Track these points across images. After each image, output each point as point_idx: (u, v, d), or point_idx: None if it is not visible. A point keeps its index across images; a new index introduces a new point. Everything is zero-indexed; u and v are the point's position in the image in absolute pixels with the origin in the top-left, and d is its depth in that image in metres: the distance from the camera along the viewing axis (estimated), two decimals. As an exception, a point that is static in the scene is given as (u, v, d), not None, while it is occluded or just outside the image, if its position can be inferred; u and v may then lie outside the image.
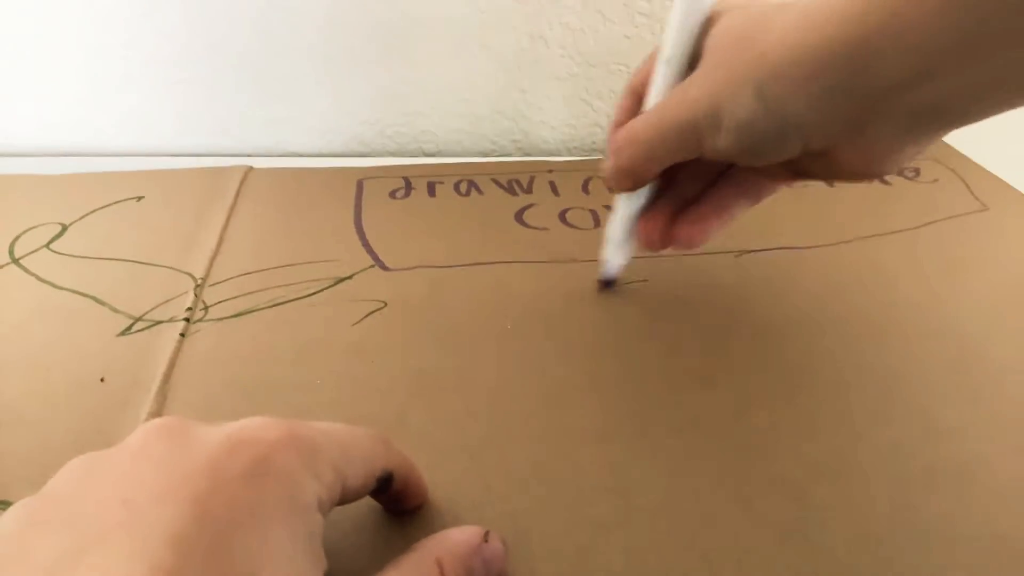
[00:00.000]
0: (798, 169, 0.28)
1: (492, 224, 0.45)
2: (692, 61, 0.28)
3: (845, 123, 0.24)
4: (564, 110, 0.59)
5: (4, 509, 0.25)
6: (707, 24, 0.28)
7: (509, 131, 0.59)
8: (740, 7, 0.27)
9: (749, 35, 0.25)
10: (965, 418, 0.30)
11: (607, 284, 0.38)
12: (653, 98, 0.30)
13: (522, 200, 0.48)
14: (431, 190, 0.50)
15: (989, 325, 0.36)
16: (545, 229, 0.45)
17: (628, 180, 0.31)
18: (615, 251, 0.36)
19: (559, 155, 0.60)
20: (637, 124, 0.29)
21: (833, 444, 0.29)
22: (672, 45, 0.29)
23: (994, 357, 0.33)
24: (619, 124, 0.32)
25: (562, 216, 0.46)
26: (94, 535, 0.17)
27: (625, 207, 0.33)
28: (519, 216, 0.46)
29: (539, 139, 0.60)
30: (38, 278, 0.39)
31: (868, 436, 0.29)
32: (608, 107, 0.59)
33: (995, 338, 0.35)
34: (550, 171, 0.52)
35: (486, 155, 0.60)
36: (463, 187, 0.50)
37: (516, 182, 0.51)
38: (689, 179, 0.33)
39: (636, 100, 0.32)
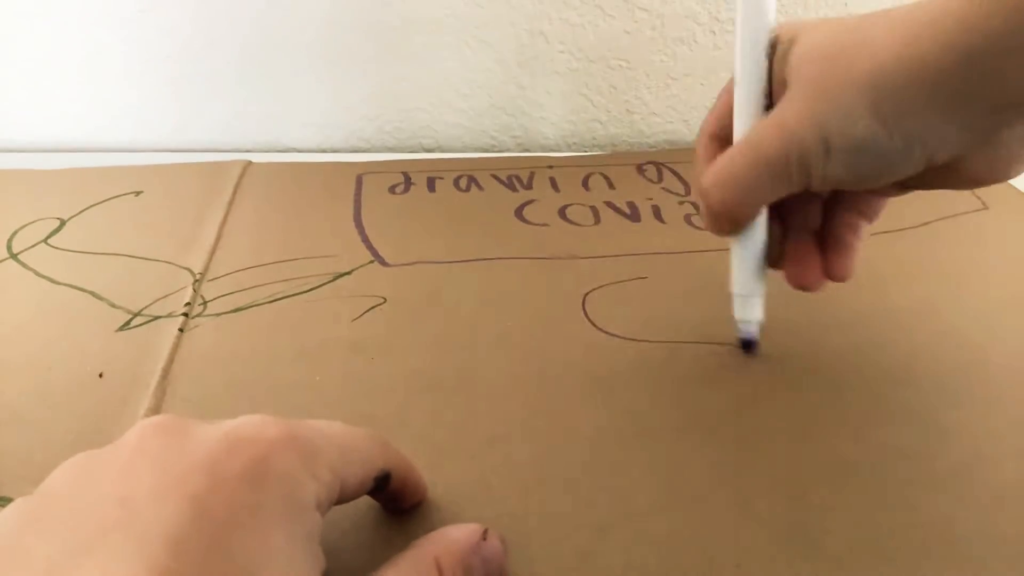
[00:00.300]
0: (912, 182, 0.26)
1: (492, 220, 0.45)
2: (770, 87, 0.27)
3: (975, 132, 0.22)
4: (564, 106, 0.58)
5: (3, 505, 0.25)
6: (784, 45, 0.26)
7: (509, 127, 0.59)
8: (820, 24, 0.25)
9: (847, 50, 0.23)
10: (965, 418, 0.30)
11: (749, 346, 0.33)
12: (740, 129, 0.28)
13: (522, 196, 0.48)
14: (431, 185, 0.49)
15: (989, 325, 0.35)
16: (545, 225, 0.45)
17: (727, 223, 0.28)
18: (749, 307, 0.31)
19: (559, 151, 0.60)
20: (730, 162, 0.27)
21: (833, 444, 0.29)
22: (743, 67, 0.27)
23: (994, 357, 0.33)
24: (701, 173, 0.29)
25: (562, 212, 0.46)
26: (92, 534, 0.17)
27: (744, 253, 0.30)
28: (519, 212, 0.46)
29: (539, 135, 0.60)
30: (36, 273, 0.39)
31: (868, 436, 0.29)
32: (608, 102, 0.59)
33: (995, 338, 0.35)
34: (550, 167, 0.52)
35: (486, 151, 0.60)
36: (463, 183, 0.50)
37: (516, 178, 0.51)
38: (802, 210, 0.30)
39: (715, 144, 0.29)
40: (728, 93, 0.28)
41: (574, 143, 0.60)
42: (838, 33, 0.24)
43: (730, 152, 0.27)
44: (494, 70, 0.57)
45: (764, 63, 0.27)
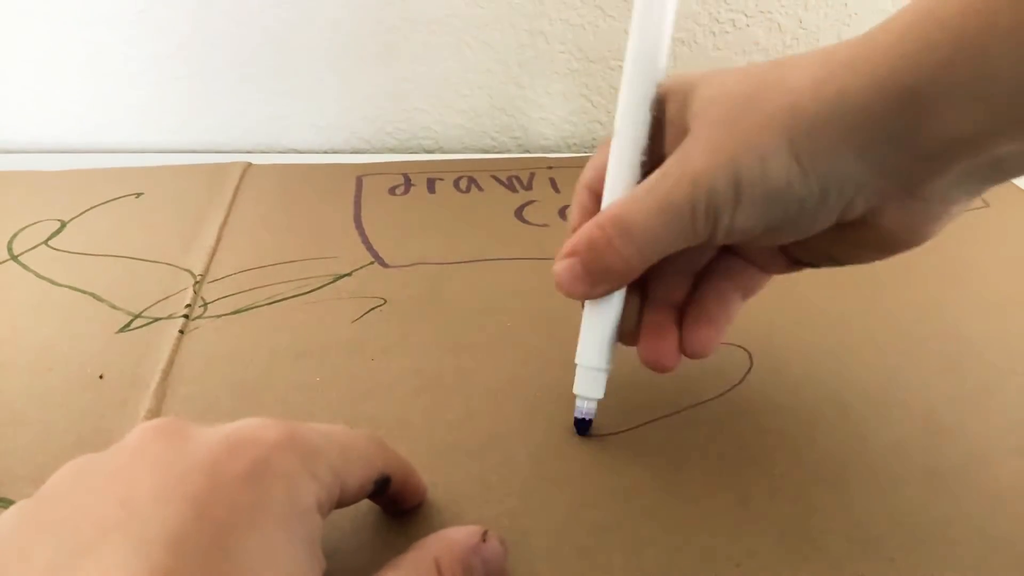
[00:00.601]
0: (815, 248, 0.24)
1: (492, 221, 0.45)
2: (659, 139, 0.25)
3: (895, 179, 0.21)
4: (564, 106, 0.58)
5: (4, 507, 0.25)
6: (679, 94, 0.24)
7: (509, 127, 0.59)
8: (725, 71, 0.23)
9: (762, 90, 0.21)
10: (965, 418, 0.30)
11: (584, 427, 0.29)
12: (617, 184, 0.25)
13: (522, 197, 0.48)
14: (431, 186, 0.49)
15: (989, 324, 0.36)
16: (545, 226, 0.45)
17: (608, 282, 0.25)
18: (593, 382, 0.28)
19: (559, 151, 0.60)
20: (626, 211, 0.24)
21: (833, 444, 0.29)
22: (625, 116, 0.25)
23: (994, 356, 0.33)
24: (580, 224, 0.26)
25: (562, 213, 0.46)
26: (92, 536, 0.17)
27: (599, 321, 0.27)
28: (519, 213, 0.46)
29: (539, 135, 0.60)
30: (37, 275, 0.39)
31: (868, 436, 0.29)
32: (608, 103, 0.59)
33: (995, 337, 0.35)
34: (550, 167, 0.52)
35: (486, 152, 0.60)
36: (463, 183, 0.50)
37: (516, 179, 0.51)
38: (669, 277, 0.27)
39: (594, 197, 0.26)
40: (607, 145, 0.26)
41: (574, 144, 0.60)
42: (748, 75, 0.22)
43: (627, 200, 0.24)
44: (494, 70, 0.57)
45: (648, 112, 0.25)
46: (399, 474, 0.24)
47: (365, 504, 0.25)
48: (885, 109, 0.19)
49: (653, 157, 0.25)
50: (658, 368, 0.27)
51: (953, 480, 0.27)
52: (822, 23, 0.55)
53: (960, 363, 0.33)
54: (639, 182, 0.24)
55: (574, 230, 0.26)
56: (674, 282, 0.27)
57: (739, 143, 0.21)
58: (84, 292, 0.37)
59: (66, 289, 0.38)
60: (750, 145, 0.21)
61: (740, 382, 0.32)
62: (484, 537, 0.22)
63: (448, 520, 0.25)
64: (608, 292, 0.26)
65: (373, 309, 0.37)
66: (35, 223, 0.43)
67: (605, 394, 0.28)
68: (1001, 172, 0.20)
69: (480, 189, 0.49)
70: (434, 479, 0.26)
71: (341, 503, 0.21)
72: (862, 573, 0.24)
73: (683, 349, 0.27)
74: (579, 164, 0.52)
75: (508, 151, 0.60)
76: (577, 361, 0.28)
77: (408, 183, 0.50)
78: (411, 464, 0.25)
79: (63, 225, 0.43)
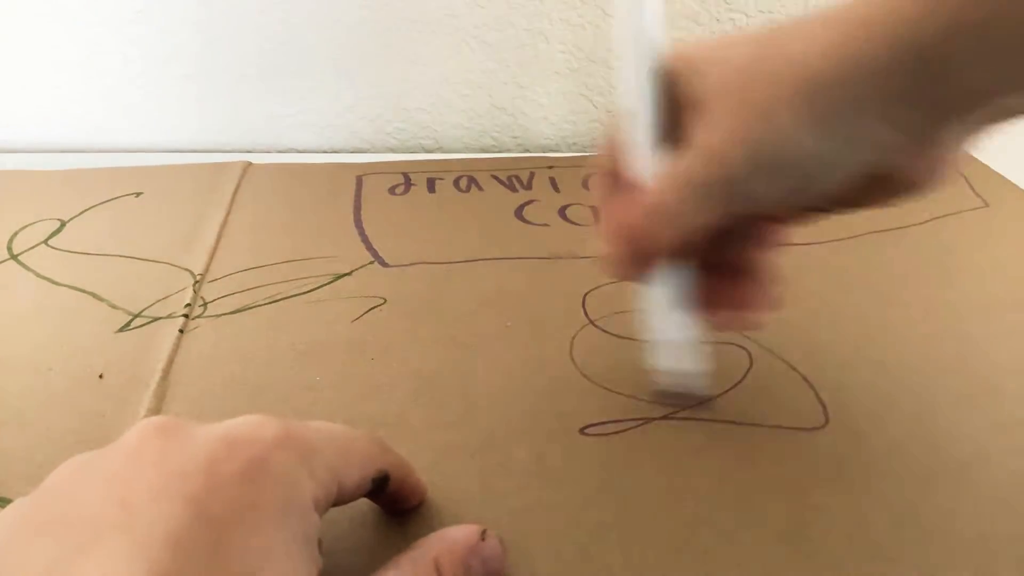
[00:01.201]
0: (828, 202, 0.25)
1: (492, 220, 0.45)
2: (674, 116, 0.25)
3: (912, 134, 0.21)
4: (564, 106, 0.58)
5: (3, 505, 0.25)
6: (686, 68, 0.24)
7: (509, 127, 0.59)
8: (730, 41, 0.23)
9: (772, 61, 0.21)
10: (965, 418, 0.30)
11: (677, 399, 0.30)
12: (646, 163, 0.25)
13: (522, 196, 0.48)
14: (431, 186, 0.49)
15: (989, 323, 0.35)
16: (545, 225, 0.45)
17: (648, 264, 0.26)
18: (680, 355, 0.28)
19: (559, 151, 0.60)
20: (656, 196, 0.24)
21: (833, 444, 0.29)
22: (640, 97, 0.25)
23: (994, 356, 0.33)
24: (610, 211, 0.27)
25: (562, 212, 0.46)
26: (91, 535, 0.17)
27: (666, 295, 0.27)
28: (519, 212, 0.46)
29: (539, 135, 0.60)
30: (36, 274, 0.39)
31: (868, 436, 0.29)
32: (608, 103, 0.59)
33: (995, 336, 0.35)
34: (550, 167, 0.52)
35: (486, 151, 0.60)
36: (463, 183, 0.50)
37: (516, 178, 0.51)
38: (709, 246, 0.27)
39: (615, 180, 0.27)
40: (618, 128, 0.26)
41: (574, 143, 0.60)
42: (756, 45, 0.22)
43: (657, 184, 0.25)
44: (494, 70, 0.57)
45: (657, 89, 0.25)
46: (398, 473, 0.24)
47: (364, 503, 0.25)
48: (904, 71, 0.19)
49: (675, 134, 0.25)
50: (722, 328, 0.29)
51: (954, 479, 0.27)
52: (822, 23, 0.55)
53: (960, 361, 0.33)
54: (660, 158, 0.25)
55: (600, 217, 0.27)
56: (712, 250, 0.27)
57: (760, 117, 0.22)
58: (84, 292, 0.37)
59: (66, 288, 0.38)
60: (771, 118, 0.21)
61: (740, 382, 0.32)
62: (483, 536, 0.22)
63: (448, 520, 0.25)
64: (653, 270, 0.26)
65: (373, 309, 0.37)
66: (35, 223, 0.43)
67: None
68: (1013, 114, 0.21)
69: (480, 189, 0.49)
70: (434, 479, 0.26)
71: (339, 501, 0.21)
72: (862, 573, 0.24)
73: (751, 310, 0.27)
74: (579, 164, 0.53)
75: (508, 151, 0.60)
76: (655, 338, 0.28)
77: (408, 183, 0.50)
78: (410, 464, 0.25)
79: (63, 224, 0.43)
